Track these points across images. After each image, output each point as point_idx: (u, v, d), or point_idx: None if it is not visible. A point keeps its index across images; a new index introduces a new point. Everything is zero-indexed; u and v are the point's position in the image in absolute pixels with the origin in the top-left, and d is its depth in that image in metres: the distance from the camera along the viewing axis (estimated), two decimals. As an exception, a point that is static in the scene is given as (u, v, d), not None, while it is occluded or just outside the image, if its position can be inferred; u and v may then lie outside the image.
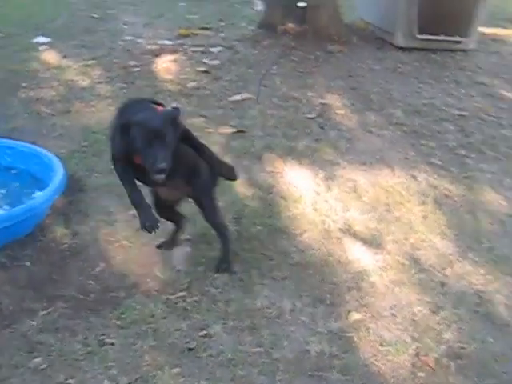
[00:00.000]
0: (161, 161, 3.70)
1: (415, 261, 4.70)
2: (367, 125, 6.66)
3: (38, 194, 5.10)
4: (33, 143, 5.87)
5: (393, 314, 4.22)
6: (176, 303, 4.23)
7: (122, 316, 4.11)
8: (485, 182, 5.76)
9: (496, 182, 5.77)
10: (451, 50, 8.85)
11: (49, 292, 4.36)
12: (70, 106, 6.90)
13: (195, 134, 6.09)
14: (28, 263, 4.58)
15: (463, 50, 8.92)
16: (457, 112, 7.03)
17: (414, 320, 4.18)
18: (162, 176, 3.78)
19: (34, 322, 4.07)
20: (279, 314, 4.16)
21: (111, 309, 4.19)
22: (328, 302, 4.29)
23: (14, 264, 4.57)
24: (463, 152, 6.25)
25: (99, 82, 7.48)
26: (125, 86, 7.39)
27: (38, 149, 5.51)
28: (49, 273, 4.54)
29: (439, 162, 6.03)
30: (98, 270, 4.57)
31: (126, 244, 4.74)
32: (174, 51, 8.34)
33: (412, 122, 6.76)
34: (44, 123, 6.54)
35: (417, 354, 3.91)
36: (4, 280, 4.44)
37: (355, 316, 4.19)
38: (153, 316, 4.10)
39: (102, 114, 6.67)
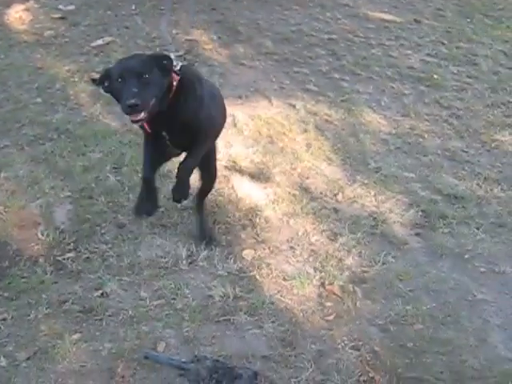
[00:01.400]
0: (131, 97, 3.15)
1: (305, 190, 4.62)
2: (237, 57, 6.49)
3: None
4: None
5: (291, 247, 4.13)
6: (65, 265, 4.01)
7: (10, 286, 3.85)
8: (362, 103, 5.74)
9: (373, 102, 5.76)
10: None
11: None
12: None
13: (60, 83, 5.87)
14: None
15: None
16: (326, 36, 6.96)
17: (313, 250, 4.11)
18: (135, 115, 3.21)
19: None
20: (176, 262, 4.01)
21: (-5, 280, 3.89)
22: (224, 243, 4.16)
23: None
24: (337, 75, 6.19)
25: None
26: (-24, 41, 6.88)
27: None
28: None
29: (315, 88, 5.95)
30: (-26, 238, 4.22)
31: (1, 208, 4.40)
32: (24, 0, 7.82)
33: (282, 51, 6.63)
34: None
35: (322, 284, 3.85)
36: None
37: (253, 254, 4.09)
38: (43, 282, 3.86)
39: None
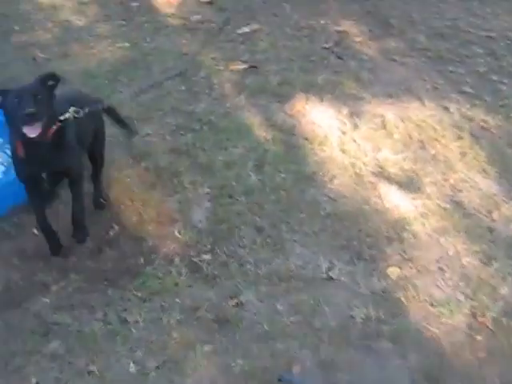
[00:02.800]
0: (28, 106, 3.31)
1: (458, 204, 4.28)
2: (389, 52, 6.15)
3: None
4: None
5: (440, 268, 3.82)
6: (201, 268, 3.85)
7: (143, 286, 3.73)
8: (523, 109, 5.26)
9: (535, 109, 5.27)
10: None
11: (60, 262, 3.98)
12: (68, 48, 6.39)
13: (205, 71, 5.72)
14: (35, 230, 4.15)
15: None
16: (484, 33, 6.50)
17: (464, 274, 3.78)
18: (32, 125, 3.36)
19: (46, 300, 3.69)
20: (315, 275, 3.78)
21: (130, 278, 3.80)
22: (368, 258, 3.88)
23: (20, 232, 4.15)
24: (495, 77, 5.75)
25: (96, 21, 6.95)
26: (124, 23, 6.89)
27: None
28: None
29: (471, 90, 5.54)
30: (112, 233, 4.16)
31: (139, 203, 4.29)
32: (173, -18, 7.73)
33: (436, 47, 6.24)
34: (41, 69, 5.95)
35: (472, 314, 3.54)
36: (11, 251, 4.04)
37: (399, 272, 3.80)
38: (177, 285, 3.72)
39: (102, 55, 6.21)
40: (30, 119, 3.33)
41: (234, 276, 3.76)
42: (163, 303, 3.61)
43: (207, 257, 3.92)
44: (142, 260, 3.92)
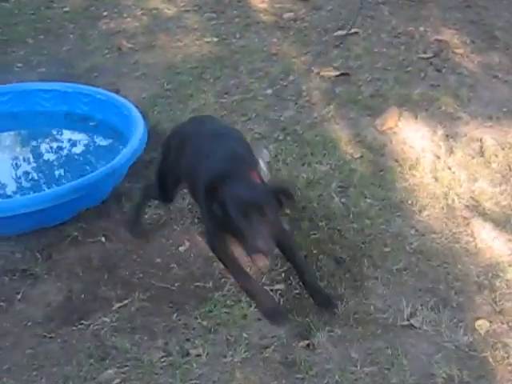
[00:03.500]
0: (266, 243, 3.01)
1: (558, 252, 3.87)
2: (491, 68, 5.72)
3: (121, 150, 4.41)
4: (112, 84, 5.24)
5: (535, 326, 3.43)
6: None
7: (210, 315, 3.48)
8: None
9: None
10: None
11: (125, 276, 3.79)
12: (154, 39, 6.23)
13: (294, 75, 5.43)
14: (103, 238, 3.99)
15: None
16: None
17: (562, 336, 3.38)
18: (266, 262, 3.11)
19: (107, 319, 3.50)
20: (395, 320, 3.46)
21: (197, 303, 3.58)
22: (455, 305, 3.54)
23: (88, 240, 3.96)
24: None
25: (186, 11, 6.77)
26: (214, 16, 6.69)
27: (117, 97, 4.86)
28: (126, 251, 3.96)
29: None
30: (182, 249, 3.97)
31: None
32: (268, -25, 7.44)
33: (545, 66, 5.74)
34: (125, 60, 5.89)
35: None
36: (75, 259, 3.88)
37: (488, 326, 3.43)
38: (245, 317, 3.47)
39: (189, 49, 6.04)
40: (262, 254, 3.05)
41: (308, 313, 3.48)
42: (229, 337, 3.37)
43: (280, 286, 3.67)
44: (211, 283, 3.70)
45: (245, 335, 3.37)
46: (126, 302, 3.61)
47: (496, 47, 6.04)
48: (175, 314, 3.51)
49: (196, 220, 4.09)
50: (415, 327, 3.41)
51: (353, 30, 6.22)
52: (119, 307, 3.58)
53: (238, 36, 6.20)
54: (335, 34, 6.20)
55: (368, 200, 4.20)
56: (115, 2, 6.89)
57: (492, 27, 6.37)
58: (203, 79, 5.51)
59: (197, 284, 3.70)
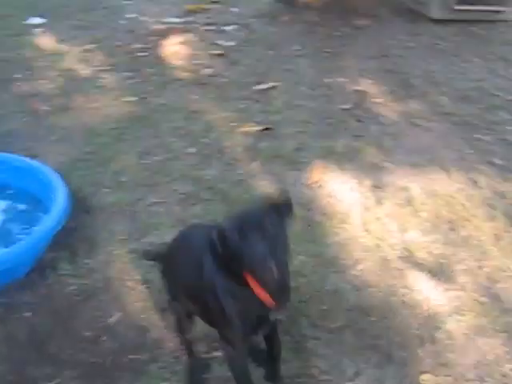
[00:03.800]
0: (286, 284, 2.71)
1: (495, 298, 3.87)
2: (411, 115, 5.78)
3: (42, 218, 4.21)
4: (29, 149, 5.05)
5: (480, 377, 3.41)
6: (211, 367, 3.39)
7: (147, 390, 3.27)
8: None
9: None
10: (492, 22, 7.89)
11: (54, 353, 3.57)
12: (70, 101, 6.06)
13: (216, 133, 5.35)
14: (29, 313, 3.77)
15: (505, 21, 7.96)
16: (511, 97, 6.09)
17: (506, 384, 3.34)
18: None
19: (36, 403, 3.23)
20: (341, 382, 3.33)
21: (132, 377, 3.39)
22: (398, 360, 3.47)
23: (12, 316, 3.74)
24: (527, 148, 5.34)
25: (102, 71, 6.63)
26: (131, 74, 6.56)
27: (35, 163, 4.64)
28: (53, 325, 3.74)
29: (500, 162, 5.17)
30: (112, 320, 3.76)
31: (144, 285, 3.89)
32: (183, 31, 7.46)
33: (461, 111, 5.87)
34: (41, 124, 5.70)
35: None
36: (1, 337, 3.61)
37: (434, 380, 3.37)
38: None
39: (107, 110, 5.86)
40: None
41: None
42: (170, 413, 3.17)
43: (218, 354, 3.48)
44: (146, 355, 3.50)
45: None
46: (56, 381, 3.38)
47: (413, 95, 6.13)
48: (110, 392, 3.30)
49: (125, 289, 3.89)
50: (361, 388, 3.30)
51: (271, 84, 6.19)
52: (49, 388, 3.34)
53: (156, 94, 6.09)
54: (254, 88, 6.15)
55: (300, 257, 4.10)
56: (28, 63, 6.70)
57: (408, 75, 6.49)
58: (123, 140, 5.37)
59: (130, 357, 3.51)
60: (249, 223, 2.61)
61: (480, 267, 4.10)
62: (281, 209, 2.74)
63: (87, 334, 3.68)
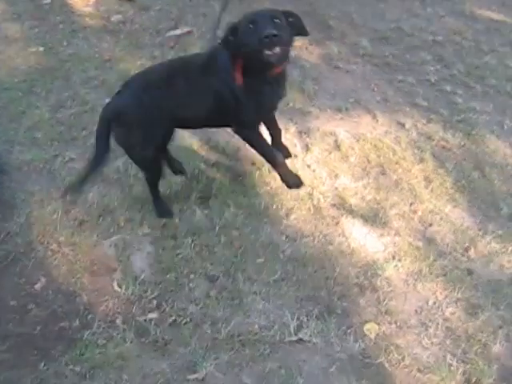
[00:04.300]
0: (269, 29, 3.17)
1: (430, 241, 3.84)
2: (332, 58, 5.66)
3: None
4: None
5: (422, 323, 3.37)
6: (148, 331, 3.30)
7: (82, 358, 3.14)
8: (482, 125, 4.88)
9: (494, 125, 4.90)
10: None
11: (-21, 325, 3.30)
12: (-27, 54, 5.63)
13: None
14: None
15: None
16: (430, 37, 6.07)
17: (449, 328, 3.35)
18: (271, 48, 3.21)
19: (-37, 379, 3.02)
20: (282, 336, 3.27)
21: (65, 347, 3.22)
22: (339, 311, 3.41)
23: None
24: (448, 88, 5.33)
25: (4, 20, 6.23)
26: (36, 23, 6.18)
27: None
28: (-25, 297, 3.46)
29: (425, 103, 5.11)
30: (38, 286, 3.56)
31: (69, 247, 3.68)
32: (89, -24, 7.02)
33: (382, 53, 5.77)
34: None
35: (467, 381, 3.06)
36: None
37: (377, 329, 3.33)
38: (122, 356, 3.12)
39: (13, 61, 5.53)
40: (270, 41, 3.17)
41: (189, 341, 3.21)
42: (107, 381, 3.02)
43: (154, 315, 3.38)
44: (77, 322, 3.32)
45: (125, 376, 3.06)
46: (-18, 355, 3.16)
47: (332, 37, 6.01)
48: (42, 363, 3.14)
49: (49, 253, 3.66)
50: (304, 341, 3.24)
51: (186, 30, 5.95)
52: (-25, 364, 3.12)
53: (65, 44, 5.77)
54: (168, 34, 5.90)
55: (232, 209, 3.96)
56: None
57: (325, 17, 6.34)
58: (34, 93, 5.07)
59: (61, 324, 3.34)
60: (261, 15, 3.30)
61: (413, 211, 4.06)
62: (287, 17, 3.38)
63: (12, 303, 3.46)
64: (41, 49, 5.72)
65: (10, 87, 5.11)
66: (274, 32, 3.14)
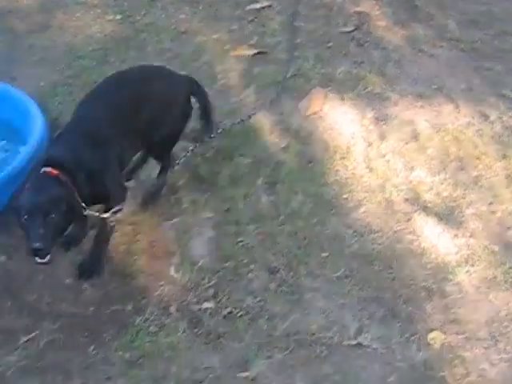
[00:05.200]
0: (36, 240, 2.91)
1: (508, 246, 3.61)
2: (416, 41, 5.37)
3: (19, 150, 3.94)
4: (5, 73, 4.65)
5: (492, 335, 3.17)
6: (202, 321, 3.18)
7: (132, 345, 3.04)
8: None
9: None
10: None
11: (32, 302, 3.28)
12: (51, 18, 5.59)
13: (207, 56, 4.95)
14: (3, 257, 3.44)
15: None
16: (522, 23, 5.69)
17: (521, 345, 3.09)
18: (43, 259, 2.97)
19: (12, 358, 2.97)
20: (342, 339, 3.09)
21: (116, 331, 3.15)
22: (404, 316, 3.22)
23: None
24: (538, 79, 4.97)
25: (84, -14, 6.09)
26: (116, -11, 6.02)
27: (10, 88, 4.25)
28: (31, 272, 3.42)
29: (512, 94, 4.77)
30: (95, 267, 3.43)
31: (128, 227, 3.58)
32: None
33: (470, 37, 5.45)
34: (20, 44, 5.27)
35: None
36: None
37: (443, 339, 3.12)
38: (172, 346, 3.00)
39: (90, 29, 5.42)
40: (38, 254, 2.96)
41: (243, 336, 3.08)
42: (155, 372, 2.93)
43: (210, 305, 3.27)
44: (130, 306, 3.23)
45: (174, 369, 2.95)
46: (33, 334, 3.12)
47: (418, 18, 5.70)
48: (92, 347, 3.07)
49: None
50: (364, 346, 3.07)
51: (266, 3, 5.76)
52: (25, 342, 3.08)
53: (142, 13, 5.63)
54: (248, 7, 5.72)
55: (299, 197, 3.79)
56: (5, -24, 6.19)
57: (412, -4, 6.01)
58: (108, 63, 4.97)
59: (114, 308, 3.25)
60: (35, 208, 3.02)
61: (492, 212, 3.83)
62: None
63: (68, 281, 3.38)
64: (118, 17, 5.61)
65: (83, 55, 5.03)
66: (39, 246, 2.91)
